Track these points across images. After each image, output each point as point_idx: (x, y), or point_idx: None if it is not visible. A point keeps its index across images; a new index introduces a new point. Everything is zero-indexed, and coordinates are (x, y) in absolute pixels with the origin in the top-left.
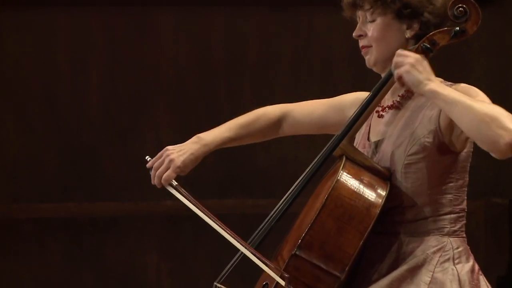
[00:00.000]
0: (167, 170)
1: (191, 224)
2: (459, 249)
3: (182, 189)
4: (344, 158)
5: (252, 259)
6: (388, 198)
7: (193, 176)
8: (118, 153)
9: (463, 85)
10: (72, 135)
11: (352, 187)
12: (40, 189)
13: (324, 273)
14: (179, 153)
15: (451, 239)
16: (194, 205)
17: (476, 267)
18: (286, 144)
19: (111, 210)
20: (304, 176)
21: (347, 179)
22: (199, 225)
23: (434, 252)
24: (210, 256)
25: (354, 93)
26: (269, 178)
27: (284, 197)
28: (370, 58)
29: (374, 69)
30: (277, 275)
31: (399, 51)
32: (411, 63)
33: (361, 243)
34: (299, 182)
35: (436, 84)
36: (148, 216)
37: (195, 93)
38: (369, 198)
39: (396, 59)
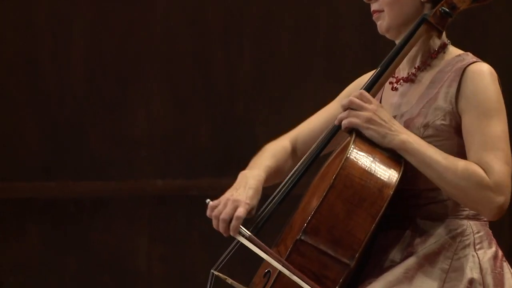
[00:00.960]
0: (235, 210)
1: (184, 205)
2: (480, 234)
3: (255, 238)
4: (354, 134)
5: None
6: (402, 178)
7: (188, 154)
8: (104, 127)
9: (475, 75)
10: (53, 108)
11: (363, 166)
12: (19, 167)
13: (332, 260)
14: (238, 191)
15: (471, 222)
16: (272, 257)
17: (500, 253)
18: (287, 118)
19: (97, 190)
20: (309, 154)
21: (358, 157)
22: (194, 206)
23: (453, 237)
24: (206, 240)
25: (349, 85)
26: None
27: (288, 177)
28: (382, 24)
29: (387, 36)
30: (279, 263)
31: (352, 99)
32: (368, 114)
33: (372, 227)
34: (304, 161)
35: (405, 136)
36: (138, 197)
37: (189, 60)
38: (381, 178)
39: (348, 111)
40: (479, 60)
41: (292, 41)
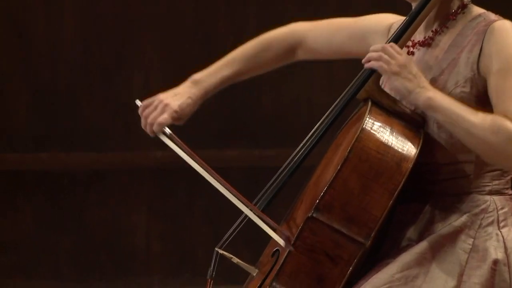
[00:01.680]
0: (161, 114)
1: (185, 179)
2: (505, 210)
3: (177, 138)
4: (370, 102)
5: (258, 223)
6: (421, 150)
7: (190, 124)
8: (99, 96)
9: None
10: (45, 75)
11: (380, 138)
12: (8, 138)
13: (346, 239)
14: (175, 97)
15: (494, 198)
16: (190, 157)
17: None
18: (298, 84)
19: (91, 162)
20: (322, 124)
21: (374, 128)
22: (195, 179)
23: (475, 214)
24: (208, 215)
25: (377, 15)
26: (278, 124)
27: (298, 148)
28: None
29: None
30: (288, 242)
31: (386, 46)
32: (399, 65)
33: (390, 204)
34: (316, 131)
35: (432, 93)
36: (136, 170)
37: (190, 23)
38: (399, 150)
39: (380, 54)
40: (501, 18)
41: (299, 10)
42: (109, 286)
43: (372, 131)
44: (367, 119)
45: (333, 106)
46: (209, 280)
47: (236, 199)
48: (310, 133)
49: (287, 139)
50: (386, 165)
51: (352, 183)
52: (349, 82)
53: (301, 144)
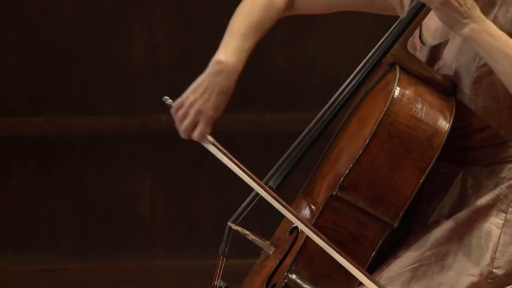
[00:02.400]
0: (195, 125)
1: (192, 144)
2: None
3: (219, 145)
4: (398, 69)
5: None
6: (454, 121)
7: None
8: (98, 54)
9: None
10: (40, 33)
11: (410, 111)
12: (1, 100)
13: (372, 219)
14: (204, 97)
15: None
16: (237, 166)
17: None
18: (314, 43)
19: (91, 127)
20: (344, 90)
21: (404, 100)
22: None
23: (509, 187)
24: (217, 184)
25: None
26: (291, 86)
27: (316, 117)
28: None
29: None
30: (306, 226)
31: None
32: None
33: (420, 182)
34: (337, 98)
35: (478, 26)
36: (138, 134)
37: None
38: (431, 124)
39: None
40: None
41: None
42: (109, 260)
43: (402, 103)
44: (397, 89)
45: (357, 70)
46: (221, 257)
47: (295, 219)
48: (332, 100)
49: (301, 102)
50: (417, 141)
51: (380, 160)
52: (366, 42)
53: (320, 114)
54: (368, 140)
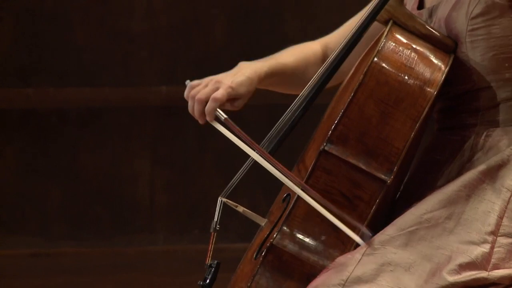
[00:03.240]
0: (213, 92)
1: (195, 120)
2: None
3: (233, 124)
4: (390, 22)
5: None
6: (450, 73)
7: (199, 54)
8: (94, 21)
9: None
10: None
11: (401, 58)
12: None
13: (365, 176)
14: (226, 75)
15: None
16: (252, 147)
17: None
18: (323, 9)
19: (85, 99)
20: (338, 51)
21: (394, 48)
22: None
23: None
24: (221, 162)
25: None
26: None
27: (313, 78)
28: None
29: None
30: (297, 184)
31: None
32: None
33: (413, 133)
34: (331, 59)
35: None
36: (137, 107)
37: None
38: (424, 73)
39: None
40: None
41: None
42: (105, 244)
43: (392, 51)
44: (386, 38)
45: (352, 32)
46: (213, 234)
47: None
48: (324, 64)
49: None
50: (408, 89)
51: (369, 110)
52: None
53: (316, 75)
54: (355, 89)
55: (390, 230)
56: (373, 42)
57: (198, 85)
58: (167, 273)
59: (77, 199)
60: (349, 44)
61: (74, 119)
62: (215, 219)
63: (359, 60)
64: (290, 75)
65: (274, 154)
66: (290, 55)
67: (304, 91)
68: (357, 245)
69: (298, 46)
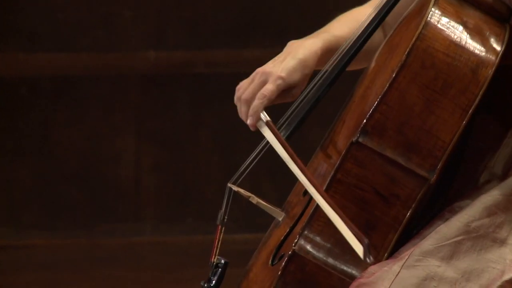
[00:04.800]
0: (260, 87)
1: (189, 89)
2: None
3: (275, 128)
4: None
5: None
6: (506, 51)
7: (192, 15)
8: None
9: None
10: None
11: (450, 35)
12: None
13: (404, 172)
14: (274, 62)
15: None
16: (292, 159)
17: None
18: None
19: (61, 66)
20: (371, 18)
21: (442, 22)
22: (202, 90)
23: None
24: (219, 140)
25: None
26: (310, 17)
27: (341, 48)
28: None
29: None
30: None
31: None
32: None
33: (463, 124)
34: (364, 28)
35: None
36: (121, 76)
37: None
38: (476, 52)
39: None
40: None
41: None
42: (84, 235)
43: (439, 26)
44: (433, 9)
45: None
46: (219, 227)
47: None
48: (357, 30)
49: None
50: (458, 72)
51: (411, 97)
52: None
53: (342, 46)
54: (396, 72)
55: (432, 239)
56: (416, 8)
57: (244, 83)
58: (155, 268)
59: (50, 182)
60: (383, 13)
61: (47, 90)
62: (223, 209)
63: (402, 20)
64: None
65: (292, 136)
66: (344, 25)
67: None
68: (391, 252)
69: (349, 13)
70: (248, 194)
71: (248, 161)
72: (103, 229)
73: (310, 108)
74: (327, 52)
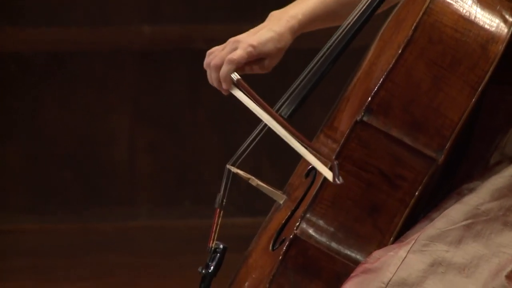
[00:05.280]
0: (232, 51)
1: (186, 65)
2: None
3: (246, 86)
4: None
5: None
6: None
7: None
8: None
9: None
10: None
11: (458, 10)
12: None
13: (410, 153)
14: (251, 32)
15: None
16: (271, 116)
17: None
18: None
19: (50, 41)
20: None
21: None
22: (198, 66)
23: None
24: (217, 119)
25: None
26: None
27: (343, 24)
28: None
29: None
30: (324, 163)
31: None
32: None
33: (472, 103)
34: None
35: None
36: (114, 52)
37: None
38: (486, 27)
39: None
40: None
41: None
42: (76, 219)
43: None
44: None
45: None
46: (218, 210)
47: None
48: (359, 5)
49: None
50: (466, 48)
51: (419, 74)
52: None
53: (347, 19)
54: (402, 47)
55: (440, 223)
56: None
57: (215, 50)
58: (151, 254)
59: (39, 164)
60: None
61: (36, 66)
62: (221, 192)
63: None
64: (334, 12)
65: (293, 116)
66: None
67: (336, 34)
68: (397, 236)
69: None
70: (248, 176)
71: (248, 141)
72: (96, 213)
73: (312, 86)
74: (312, 21)
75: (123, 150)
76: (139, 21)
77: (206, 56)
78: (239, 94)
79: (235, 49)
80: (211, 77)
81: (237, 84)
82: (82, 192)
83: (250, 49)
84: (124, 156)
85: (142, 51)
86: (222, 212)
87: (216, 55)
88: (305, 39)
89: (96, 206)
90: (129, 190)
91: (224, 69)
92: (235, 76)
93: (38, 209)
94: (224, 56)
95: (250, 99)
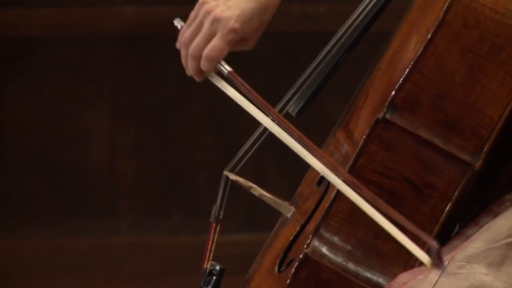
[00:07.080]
0: (208, 41)
1: (172, 51)
2: None
3: (240, 80)
4: None
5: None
6: None
7: None
8: None
9: None
10: None
11: None
12: None
13: (442, 156)
14: (228, 3)
15: None
16: (260, 109)
17: None
18: None
19: (17, 24)
20: None
21: None
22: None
23: None
24: (213, 114)
25: None
26: None
27: (362, 3)
28: None
29: None
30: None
31: None
32: None
33: None
34: None
35: None
36: (92, 37)
37: None
38: None
39: None
40: None
41: None
42: (46, 235)
43: None
44: None
45: None
46: (214, 225)
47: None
48: None
49: None
50: (509, 31)
51: (451, 63)
52: None
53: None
54: (432, 32)
55: (478, 241)
56: None
57: (191, 23)
58: (134, 276)
59: (3, 169)
60: None
61: (3, 52)
62: (217, 203)
63: None
64: None
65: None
66: None
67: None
68: None
69: None
70: (249, 184)
71: (250, 143)
72: (69, 227)
73: (325, 78)
74: None
75: (102, 152)
76: (121, 2)
77: (180, 34)
78: (230, 91)
79: (213, 33)
80: (188, 66)
81: (227, 79)
82: (52, 203)
83: (232, 35)
84: (103, 159)
85: (124, 36)
86: (218, 226)
87: (192, 38)
88: (317, 21)
89: (69, 219)
90: (108, 200)
91: (205, 66)
92: (224, 67)
93: (1, 223)
94: (202, 44)
95: (246, 97)
